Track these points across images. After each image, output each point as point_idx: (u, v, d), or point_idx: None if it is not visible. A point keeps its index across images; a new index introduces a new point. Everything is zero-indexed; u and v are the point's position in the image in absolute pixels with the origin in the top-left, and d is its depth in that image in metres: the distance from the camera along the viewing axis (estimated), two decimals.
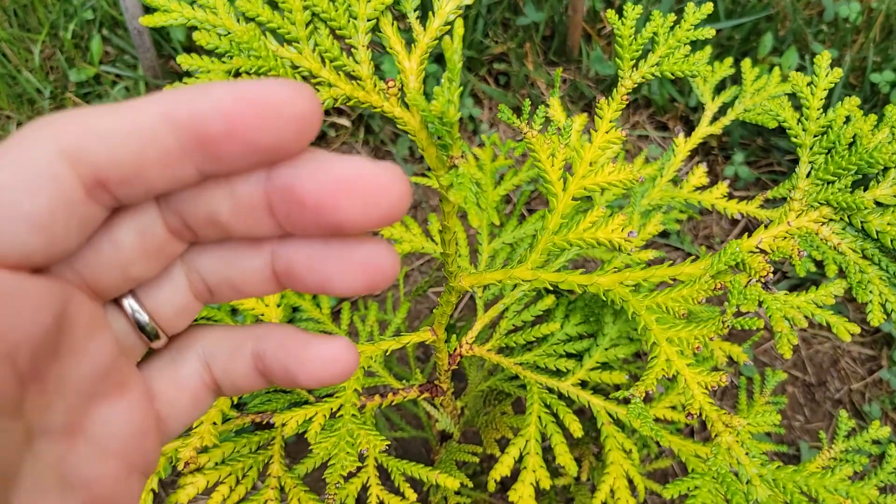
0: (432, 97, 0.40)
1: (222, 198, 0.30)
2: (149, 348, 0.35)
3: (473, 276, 0.60)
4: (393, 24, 0.51)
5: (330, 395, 0.75)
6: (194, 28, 0.49)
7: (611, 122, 0.59)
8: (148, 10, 1.73)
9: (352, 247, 0.32)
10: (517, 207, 1.04)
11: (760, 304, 0.51)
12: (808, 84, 0.53)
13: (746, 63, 0.94)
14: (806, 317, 0.51)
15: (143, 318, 0.34)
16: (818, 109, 0.53)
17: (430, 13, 0.51)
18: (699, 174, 0.88)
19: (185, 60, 0.49)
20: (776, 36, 1.84)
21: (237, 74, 0.49)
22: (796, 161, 1.77)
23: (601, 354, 0.80)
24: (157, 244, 0.32)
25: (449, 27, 0.53)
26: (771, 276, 0.51)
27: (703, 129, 0.92)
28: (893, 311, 0.49)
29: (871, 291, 0.50)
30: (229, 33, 0.49)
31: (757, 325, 0.51)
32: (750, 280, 0.51)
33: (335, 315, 1.44)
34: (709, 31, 0.58)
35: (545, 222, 0.58)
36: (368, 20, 0.50)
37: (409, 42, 0.49)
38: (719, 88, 1.64)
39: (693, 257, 0.55)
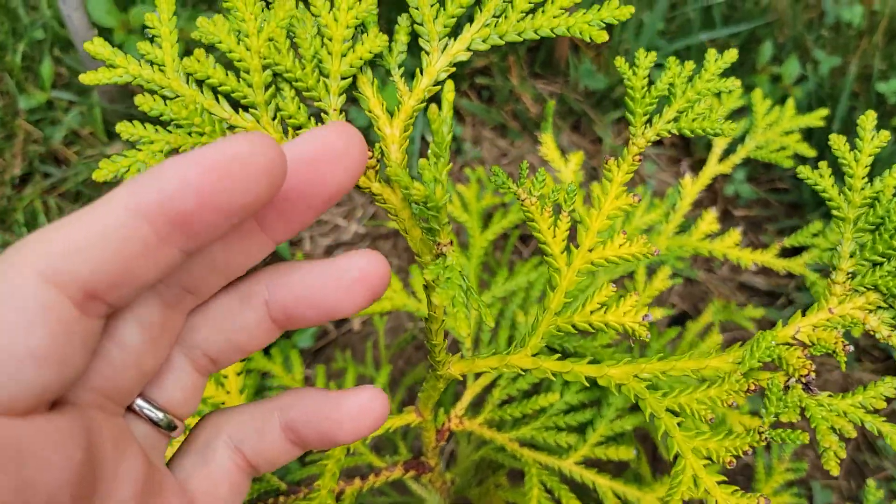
0: (416, 163, 0.36)
1: (216, 250, 0.33)
2: (170, 439, 0.36)
3: (464, 363, 0.54)
4: (373, 82, 0.46)
5: (305, 481, 0.69)
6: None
7: (621, 185, 0.53)
8: (101, 30, 1.66)
9: (344, 266, 0.35)
10: (506, 250, 0.98)
11: (802, 410, 0.45)
12: (852, 150, 0.47)
13: (757, 95, 0.89)
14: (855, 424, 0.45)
15: (158, 415, 0.34)
16: (863, 178, 0.47)
17: (418, 70, 0.46)
18: (709, 220, 0.82)
19: (125, 129, 0.43)
20: (775, 43, 1.79)
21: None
22: (800, 181, 1.71)
23: (606, 427, 0.74)
24: (160, 327, 0.33)
25: (439, 87, 0.47)
26: (813, 374, 0.45)
27: (712, 169, 0.86)
28: None
29: None
30: (177, 96, 0.44)
31: (801, 439, 0.44)
32: (789, 379, 0.45)
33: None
34: (733, 83, 0.53)
35: (546, 301, 0.52)
36: (343, 78, 0.45)
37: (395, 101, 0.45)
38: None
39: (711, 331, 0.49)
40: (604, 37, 0.45)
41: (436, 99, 0.46)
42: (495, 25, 0.46)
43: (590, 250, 0.51)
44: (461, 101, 1.79)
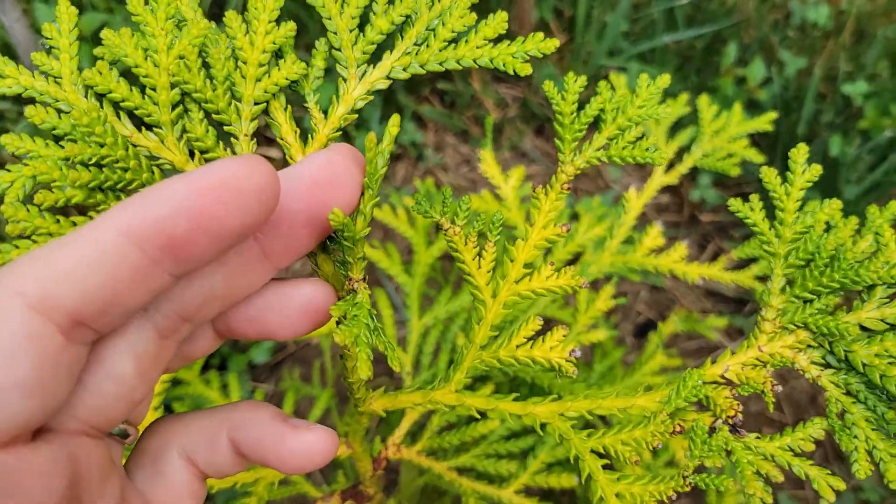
0: None
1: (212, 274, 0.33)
2: (124, 446, 0.35)
3: (386, 399, 0.53)
4: (286, 108, 0.45)
5: None
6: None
7: (548, 213, 0.52)
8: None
9: (289, 293, 0.36)
10: (454, 267, 0.96)
11: (728, 453, 0.43)
12: (783, 183, 0.46)
13: (703, 101, 0.87)
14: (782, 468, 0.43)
15: (120, 427, 0.34)
16: (794, 213, 0.46)
17: (335, 97, 0.45)
18: (654, 235, 0.80)
19: (10, 142, 0.40)
20: (741, 44, 1.78)
21: (75, 163, 0.41)
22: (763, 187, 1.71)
23: (548, 453, 0.72)
24: (153, 357, 0.33)
25: (356, 115, 0.46)
26: (740, 416, 0.44)
27: (658, 180, 0.85)
28: (882, 460, 0.42)
29: (856, 437, 0.42)
30: (73, 109, 0.41)
31: (725, 485, 0.43)
32: (715, 420, 0.44)
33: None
34: (663, 109, 0.51)
35: (472, 334, 0.50)
36: (256, 103, 0.44)
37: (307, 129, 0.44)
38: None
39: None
40: (527, 70, 0.44)
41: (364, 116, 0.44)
42: (416, 54, 0.45)
43: (516, 282, 0.50)
44: (422, 107, 1.77)
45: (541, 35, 0.44)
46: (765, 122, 0.87)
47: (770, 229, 0.47)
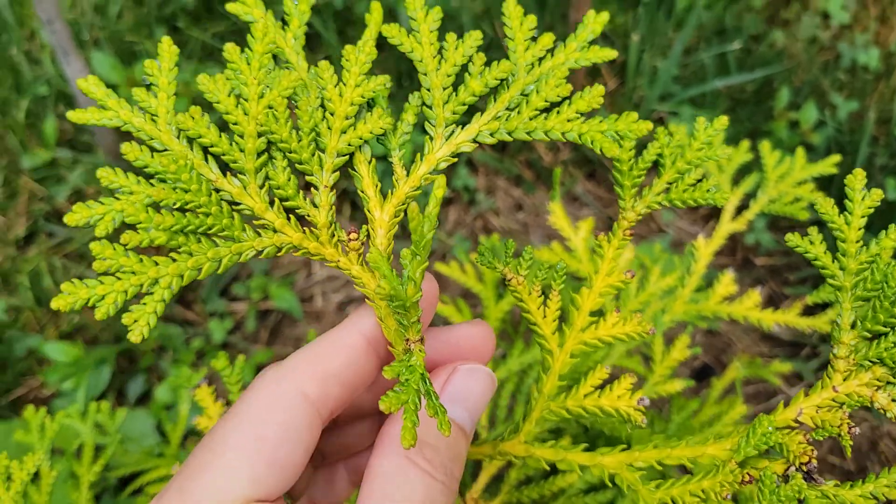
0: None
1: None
2: None
3: None
4: (370, 161, 0.46)
5: None
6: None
7: (612, 260, 0.52)
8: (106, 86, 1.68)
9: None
10: (523, 321, 0.98)
11: (800, 502, 0.43)
12: (841, 213, 0.46)
13: (765, 147, 0.89)
14: None
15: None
16: (857, 242, 0.46)
17: (419, 156, 0.46)
18: (726, 283, 0.82)
19: (105, 176, 0.42)
20: (792, 87, 1.80)
21: (159, 207, 0.43)
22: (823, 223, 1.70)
23: None
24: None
25: (437, 176, 0.47)
26: (815, 462, 0.43)
27: (726, 227, 0.86)
28: None
29: None
30: (165, 150, 0.43)
31: None
32: (788, 468, 0.43)
33: None
34: (722, 151, 0.52)
35: (540, 384, 0.51)
36: (339, 156, 0.45)
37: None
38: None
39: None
40: (615, 151, 0.45)
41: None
42: (507, 119, 0.46)
43: (582, 330, 0.50)
44: (474, 151, 1.80)
45: (634, 115, 0.45)
46: (829, 166, 0.88)
47: (833, 262, 0.46)
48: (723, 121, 0.50)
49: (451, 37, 0.47)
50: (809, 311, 0.90)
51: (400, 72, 1.85)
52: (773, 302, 1.64)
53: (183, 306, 1.66)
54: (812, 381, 1.53)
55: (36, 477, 0.67)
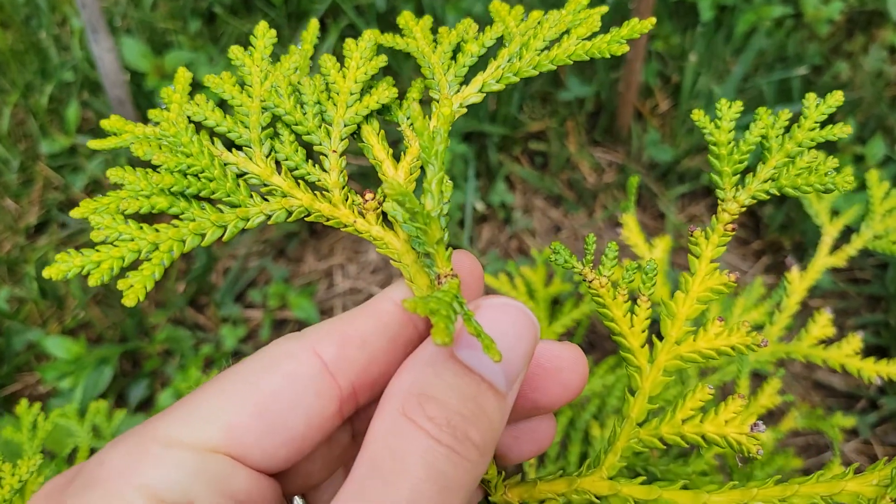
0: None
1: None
2: None
3: (523, 488, 0.45)
4: (379, 132, 0.45)
5: None
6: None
7: (712, 261, 0.46)
8: (134, 73, 1.61)
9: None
10: (579, 331, 0.87)
11: None
12: None
13: (873, 177, 0.78)
14: None
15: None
16: None
17: (427, 118, 0.43)
18: (823, 323, 0.71)
19: (114, 174, 0.42)
20: (856, 120, 1.69)
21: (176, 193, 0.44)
22: (884, 271, 1.62)
23: None
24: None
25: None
26: None
27: (822, 261, 0.76)
28: None
29: None
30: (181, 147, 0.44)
31: None
32: None
33: None
34: (846, 129, 0.44)
35: (626, 408, 0.44)
36: (346, 125, 0.45)
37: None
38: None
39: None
40: (624, 49, 0.43)
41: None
42: (510, 64, 0.45)
43: (677, 343, 0.43)
44: (513, 166, 1.71)
45: (635, 20, 0.43)
46: None
47: None
48: (838, 96, 0.45)
49: (443, 29, 0.47)
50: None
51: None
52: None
53: (195, 309, 1.57)
54: (868, 438, 1.41)
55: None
